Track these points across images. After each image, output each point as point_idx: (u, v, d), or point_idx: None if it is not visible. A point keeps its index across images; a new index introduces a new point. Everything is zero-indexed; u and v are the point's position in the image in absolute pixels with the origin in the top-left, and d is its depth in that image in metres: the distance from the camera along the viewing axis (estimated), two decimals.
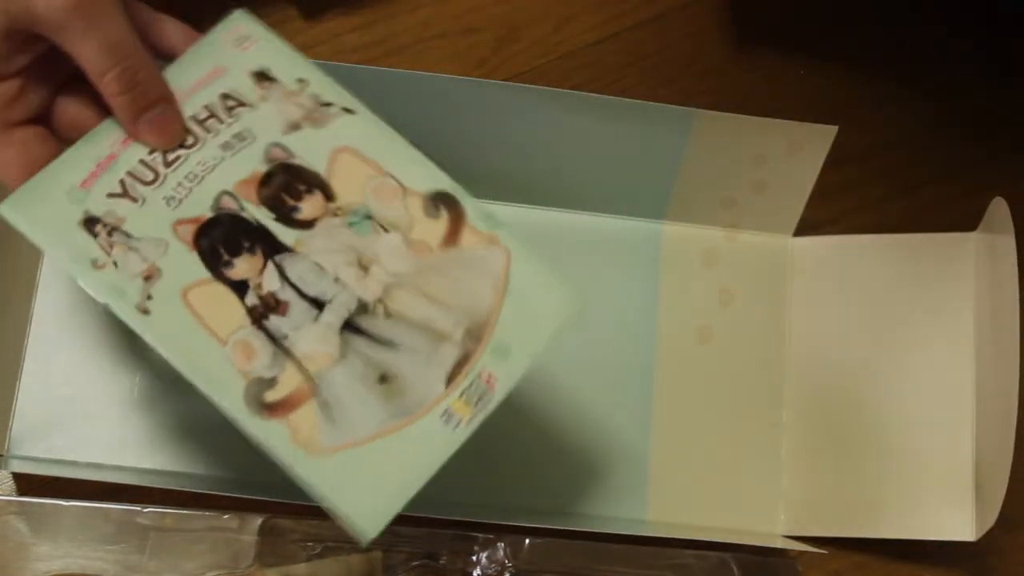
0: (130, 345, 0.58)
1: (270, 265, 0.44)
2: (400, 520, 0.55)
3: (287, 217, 0.45)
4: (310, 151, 0.46)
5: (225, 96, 0.46)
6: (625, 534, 0.55)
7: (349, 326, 0.44)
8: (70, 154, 0.45)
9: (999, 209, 0.55)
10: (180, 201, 0.45)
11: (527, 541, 0.56)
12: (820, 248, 0.62)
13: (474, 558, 0.55)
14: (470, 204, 0.46)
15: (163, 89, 0.45)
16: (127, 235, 0.44)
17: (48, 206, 0.44)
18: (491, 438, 0.59)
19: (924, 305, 0.59)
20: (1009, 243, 0.54)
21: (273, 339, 0.43)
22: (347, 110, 0.47)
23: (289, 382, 0.43)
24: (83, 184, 0.44)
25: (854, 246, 0.61)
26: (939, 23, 0.65)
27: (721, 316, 0.62)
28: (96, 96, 0.44)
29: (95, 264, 0.44)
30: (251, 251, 0.44)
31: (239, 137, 0.46)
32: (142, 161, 0.45)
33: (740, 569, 0.57)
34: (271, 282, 0.44)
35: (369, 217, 0.45)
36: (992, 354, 0.56)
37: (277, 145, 0.46)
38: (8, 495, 0.56)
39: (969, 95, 0.65)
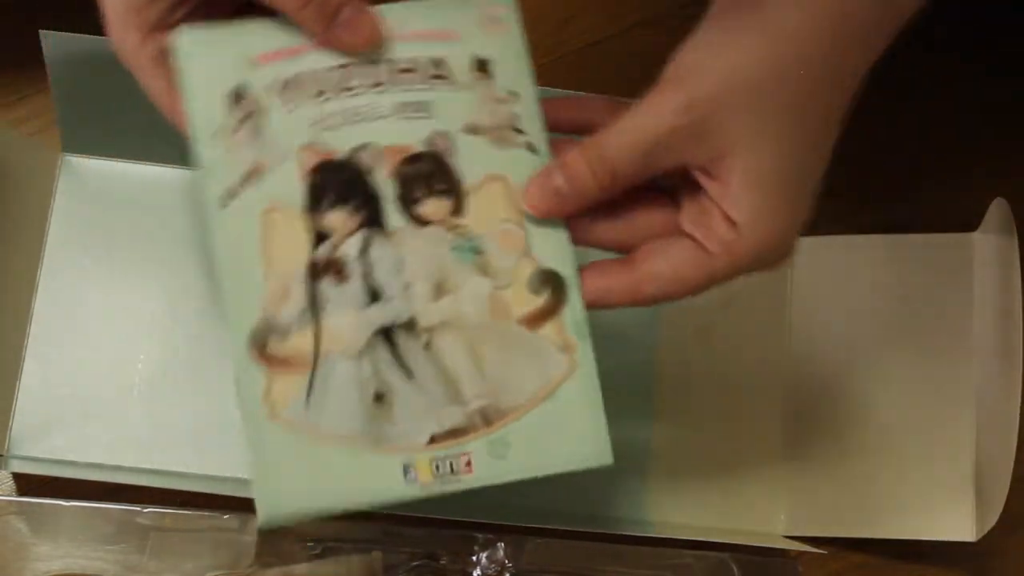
0: (130, 345, 0.58)
1: (360, 234, 0.42)
2: (400, 520, 0.55)
3: (407, 204, 0.42)
4: (472, 160, 0.43)
5: (437, 63, 0.43)
6: (625, 534, 0.55)
7: (386, 333, 0.42)
8: (268, 24, 0.43)
9: (999, 209, 0.55)
10: (325, 128, 0.42)
11: (527, 541, 0.56)
12: (820, 248, 0.62)
13: (474, 558, 0.55)
14: (573, 303, 0.43)
15: None
16: (259, 128, 0.42)
17: (218, 57, 0.42)
18: None
19: (924, 305, 0.59)
20: (1010, 243, 0.54)
21: (313, 299, 0.42)
22: (531, 148, 0.43)
23: (298, 345, 0.41)
24: (261, 58, 0.42)
25: (854, 246, 0.61)
26: (939, 22, 0.65)
27: (721, 316, 0.62)
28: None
29: (215, 134, 0.42)
30: (353, 212, 0.42)
31: (419, 107, 0.43)
32: (320, 71, 0.43)
33: (740, 569, 0.57)
34: (350, 250, 0.42)
35: (477, 252, 0.43)
36: (993, 354, 0.55)
37: (446, 136, 0.43)
38: (8, 495, 0.56)
39: (969, 95, 0.65)
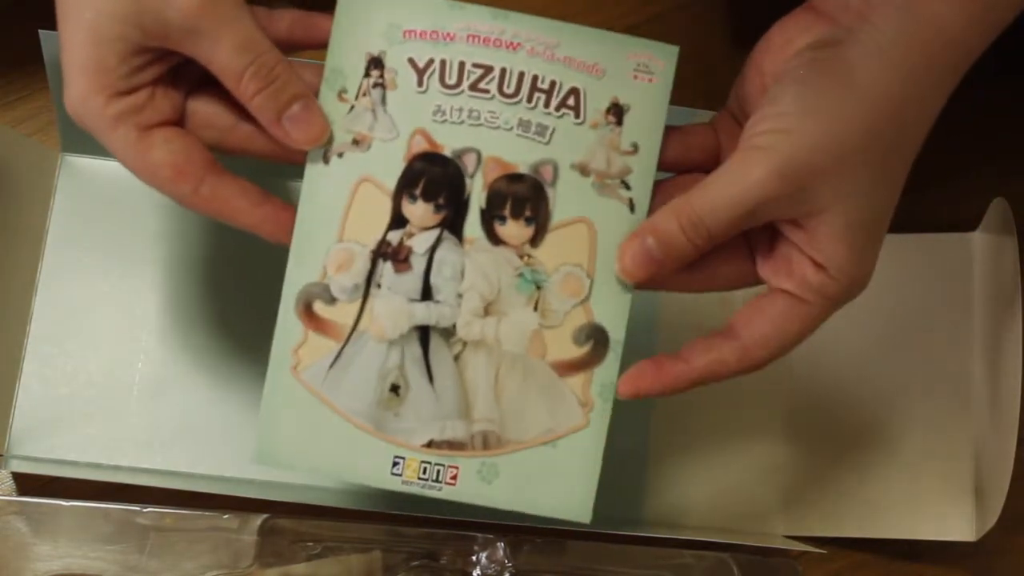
0: (130, 344, 0.58)
1: (435, 232, 0.43)
2: (400, 520, 0.55)
3: (489, 219, 0.43)
4: (568, 198, 0.43)
5: (574, 93, 0.43)
6: (625, 534, 0.55)
7: (423, 332, 0.43)
8: (425, 2, 0.43)
9: (999, 209, 0.55)
10: (443, 121, 0.43)
11: (527, 541, 0.56)
12: None
13: (474, 558, 0.55)
14: (609, 365, 0.44)
15: (301, 85, 0.43)
16: (383, 101, 0.43)
17: (368, 17, 0.43)
18: None
19: (924, 305, 0.59)
20: (1009, 243, 0.54)
21: (370, 277, 0.43)
22: (631, 206, 0.43)
23: (341, 315, 0.43)
24: (407, 33, 0.43)
25: None
26: None
27: (721, 316, 0.61)
28: (228, 97, 0.43)
29: (340, 93, 0.43)
30: (438, 210, 0.43)
31: (540, 130, 0.43)
32: (462, 64, 0.43)
33: (740, 569, 0.57)
34: (421, 244, 0.43)
35: (538, 287, 0.43)
36: (993, 354, 0.56)
37: (554, 167, 0.43)
38: (8, 495, 0.56)
39: (969, 95, 0.65)
